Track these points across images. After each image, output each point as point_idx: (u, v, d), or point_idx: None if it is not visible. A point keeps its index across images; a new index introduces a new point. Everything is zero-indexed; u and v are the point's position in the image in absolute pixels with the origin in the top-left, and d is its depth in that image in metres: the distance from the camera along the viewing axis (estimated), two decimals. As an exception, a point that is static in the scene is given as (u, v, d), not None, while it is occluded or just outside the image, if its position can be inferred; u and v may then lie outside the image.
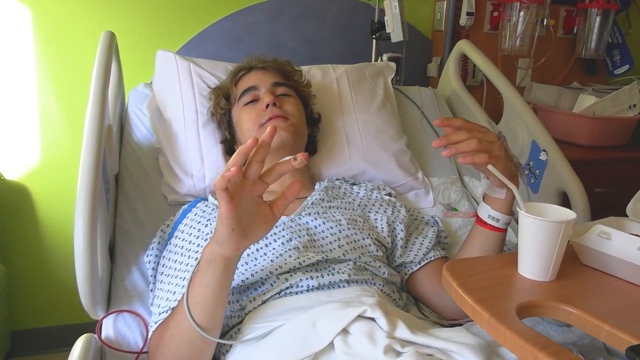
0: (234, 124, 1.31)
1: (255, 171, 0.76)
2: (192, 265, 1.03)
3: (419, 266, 1.15)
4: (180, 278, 1.02)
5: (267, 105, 1.21)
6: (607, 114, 2.03)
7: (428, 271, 1.15)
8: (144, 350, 1.02)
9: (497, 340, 0.70)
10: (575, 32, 2.40)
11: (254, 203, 0.79)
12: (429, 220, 1.29)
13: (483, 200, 1.04)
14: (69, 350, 0.95)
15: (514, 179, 0.97)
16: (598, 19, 2.30)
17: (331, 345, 0.78)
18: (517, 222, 1.44)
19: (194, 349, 0.88)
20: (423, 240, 1.18)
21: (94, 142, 0.99)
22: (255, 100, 1.26)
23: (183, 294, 0.86)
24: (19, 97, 1.86)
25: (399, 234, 1.16)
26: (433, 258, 1.16)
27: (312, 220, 1.10)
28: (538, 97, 2.18)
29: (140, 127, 1.46)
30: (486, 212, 1.03)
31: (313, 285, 0.95)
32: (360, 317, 0.79)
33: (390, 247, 1.14)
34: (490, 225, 1.03)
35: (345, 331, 0.78)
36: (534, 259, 0.81)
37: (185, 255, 1.06)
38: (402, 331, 0.78)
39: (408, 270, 1.15)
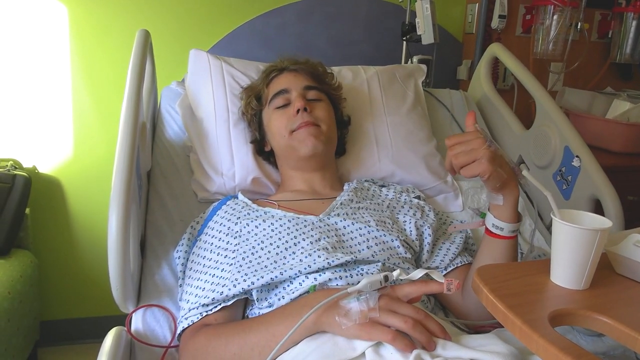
0: (264, 125, 1.32)
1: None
2: (221, 262, 1.04)
3: (445, 272, 1.14)
4: (210, 275, 1.03)
5: (298, 111, 1.22)
6: (642, 121, 1.98)
7: (454, 277, 1.14)
8: (172, 345, 1.03)
9: (529, 348, 0.69)
10: (610, 36, 2.35)
11: None
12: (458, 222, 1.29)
13: (488, 209, 1.02)
14: (97, 342, 0.97)
15: (510, 183, 0.95)
16: (634, 23, 2.26)
17: (362, 354, 0.77)
18: (548, 230, 1.43)
19: None
20: (450, 246, 1.18)
21: (128, 139, 1.00)
22: (286, 105, 1.26)
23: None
24: (54, 92, 1.90)
25: (426, 238, 1.16)
26: (460, 264, 1.15)
27: (340, 221, 1.10)
28: (570, 102, 2.15)
29: (173, 124, 1.48)
30: (490, 221, 1.00)
31: (342, 286, 0.95)
32: None
33: (418, 250, 1.14)
34: (495, 234, 1.00)
35: (378, 342, 0.78)
36: (567, 266, 0.80)
37: (214, 252, 1.07)
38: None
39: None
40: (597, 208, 1.32)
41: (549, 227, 1.45)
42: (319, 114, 1.24)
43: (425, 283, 0.83)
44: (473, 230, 1.34)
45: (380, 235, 1.08)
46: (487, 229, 1.02)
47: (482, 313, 1.04)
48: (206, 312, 0.98)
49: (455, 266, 1.15)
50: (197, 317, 0.98)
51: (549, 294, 0.80)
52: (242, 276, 0.98)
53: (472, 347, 0.78)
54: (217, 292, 0.98)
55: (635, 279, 0.85)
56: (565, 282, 0.81)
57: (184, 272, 1.12)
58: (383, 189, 1.32)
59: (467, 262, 1.16)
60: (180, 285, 1.12)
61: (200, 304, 0.98)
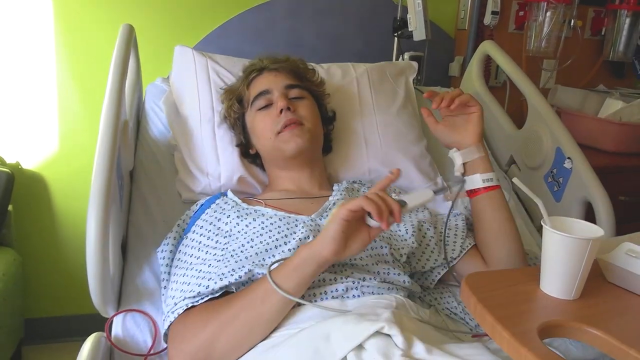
0: (248, 128, 1.29)
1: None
2: (208, 259, 1.02)
3: (459, 258, 1.15)
4: (196, 270, 1.00)
5: (281, 111, 1.19)
6: (634, 120, 1.96)
7: (468, 260, 1.15)
8: (151, 353, 1.01)
9: (517, 362, 0.67)
10: (603, 33, 2.34)
11: (361, 222, 0.90)
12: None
13: (465, 175, 1.12)
14: (82, 340, 0.95)
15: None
16: (628, 20, 2.24)
17: (343, 358, 0.76)
18: (538, 231, 1.41)
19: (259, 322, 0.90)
20: (456, 232, 1.18)
21: (109, 139, 0.98)
22: (268, 105, 1.23)
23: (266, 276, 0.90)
24: (38, 87, 1.86)
25: (426, 233, 1.16)
26: (470, 246, 1.16)
27: None
28: (562, 100, 2.13)
29: (157, 122, 1.45)
30: (478, 179, 1.10)
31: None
32: (375, 332, 0.77)
33: (419, 248, 1.13)
34: (489, 187, 1.09)
35: (360, 346, 0.76)
36: (558, 276, 0.78)
37: (202, 251, 1.05)
38: (419, 350, 0.75)
39: (449, 265, 1.15)
40: (589, 210, 1.31)
41: (539, 229, 1.44)
42: (302, 112, 1.22)
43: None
44: None
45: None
46: (475, 192, 1.11)
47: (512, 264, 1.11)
48: (192, 303, 0.96)
49: (467, 249, 1.15)
50: (183, 309, 0.95)
51: (539, 303, 0.79)
52: (229, 271, 0.96)
53: (458, 356, 0.76)
54: (203, 285, 0.96)
55: (626, 288, 0.83)
56: (556, 291, 0.79)
57: (169, 272, 1.09)
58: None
59: (475, 243, 1.17)
60: (165, 287, 1.09)
61: (185, 297, 0.96)
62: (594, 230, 0.79)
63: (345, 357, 0.75)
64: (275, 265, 0.93)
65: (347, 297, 0.95)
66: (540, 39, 2.12)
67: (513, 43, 2.19)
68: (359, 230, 0.89)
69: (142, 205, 1.27)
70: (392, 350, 0.74)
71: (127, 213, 1.25)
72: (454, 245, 1.16)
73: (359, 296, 0.95)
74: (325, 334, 0.79)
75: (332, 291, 0.95)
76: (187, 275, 1.01)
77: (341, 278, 0.97)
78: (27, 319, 1.97)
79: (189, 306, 0.95)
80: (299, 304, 0.92)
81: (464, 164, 1.11)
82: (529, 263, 1.16)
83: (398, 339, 0.75)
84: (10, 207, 1.80)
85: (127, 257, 1.18)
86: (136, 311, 1.07)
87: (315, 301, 0.94)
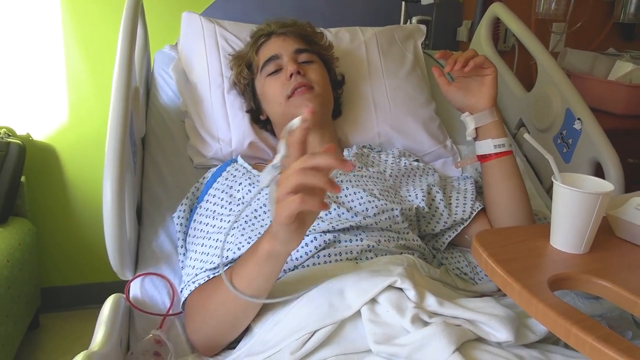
0: (258, 94, 1.29)
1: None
2: (224, 227, 1.03)
3: (469, 220, 1.16)
4: (213, 240, 1.02)
5: (291, 75, 1.19)
6: (644, 82, 1.95)
7: (479, 222, 1.16)
8: (170, 313, 1.03)
9: (528, 313, 0.68)
10: (614, -5, 2.31)
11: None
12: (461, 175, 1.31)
13: (477, 140, 1.10)
14: (98, 308, 0.97)
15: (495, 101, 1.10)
16: (639, -19, 2.21)
17: (357, 312, 0.77)
18: (548, 193, 1.42)
19: (236, 316, 0.88)
20: (466, 194, 1.19)
21: (121, 105, 0.98)
22: (278, 70, 1.23)
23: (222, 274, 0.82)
24: (46, 58, 1.86)
25: (435, 196, 1.17)
26: (479, 208, 1.17)
27: (344, 189, 1.09)
28: (572, 64, 2.11)
29: (167, 89, 1.46)
30: (490, 145, 1.09)
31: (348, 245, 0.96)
32: (388, 286, 0.78)
33: (429, 211, 1.14)
34: (501, 153, 1.08)
35: (373, 300, 0.77)
36: (567, 230, 0.79)
37: (217, 219, 1.06)
38: (431, 302, 0.77)
39: (458, 227, 1.16)
40: (598, 171, 1.31)
41: (548, 191, 1.45)
42: (312, 76, 1.22)
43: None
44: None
45: (382, 205, 1.07)
46: (487, 157, 1.09)
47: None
48: (213, 274, 0.97)
49: (477, 211, 1.16)
50: (204, 280, 0.96)
51: (549, 258, 0.80)
52: (246, 239, 0.97)
53: (469, 308, 0.78)
54: (223, 257, 0.97)
55: (635, 243, 0.84)
56: (565, 246, 0.80)
57: (185, 239, 1.11)
58: (381, 154, 1.31)
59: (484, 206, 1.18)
60: (182, 254, 1.11)
61: (206, 268, 0.97)
62: (604, 186, 0.79)
63: (359, 310, 0.77)
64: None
65: (361, 259, 0.96)
66: (549, 1, 2.09)
67: (522, 6, 2.16)
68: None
69: (155, 171, 1.28)
70: (405, 303, 0.76)
71: (141, 179, 1.26)
72: (464, 207, 1.16)
73: (372, 258, 0.96)
74: (339, 290, 0.80)
75: (346, 253, 0.96)
76: (205, 245, 1.02)
77: (356, 240, 0.98)
78: (43, 288, 2.01)
79: (210, 277, 0.96)
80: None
81: (476, 129, 1.10)
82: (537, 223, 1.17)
83: (410, 292, 0.77)
84: (22, 178, 1.82)
85: (143, 221, 1.19)
86: (154, 274, 1.09)
87: (330, 262, 0.95)
